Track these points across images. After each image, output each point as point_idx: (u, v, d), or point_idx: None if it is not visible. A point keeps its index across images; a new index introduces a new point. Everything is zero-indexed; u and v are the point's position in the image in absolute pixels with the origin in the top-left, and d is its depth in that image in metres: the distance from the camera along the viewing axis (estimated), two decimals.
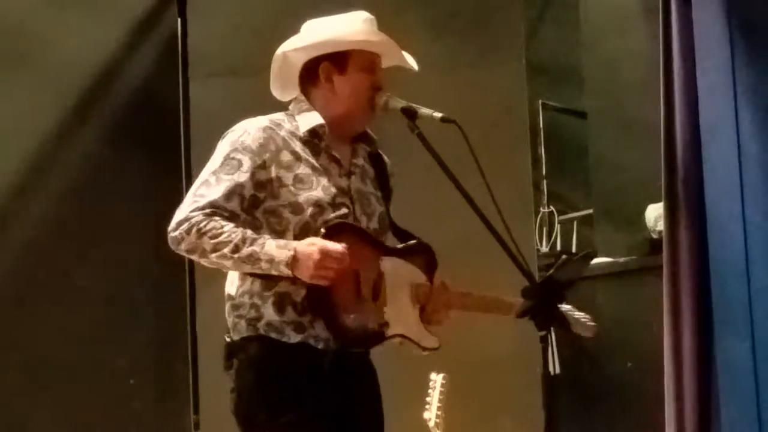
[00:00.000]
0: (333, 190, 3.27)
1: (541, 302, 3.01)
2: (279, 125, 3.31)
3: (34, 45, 5.32)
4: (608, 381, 5.80)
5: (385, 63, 3.40)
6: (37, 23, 5.32)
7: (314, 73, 3.34)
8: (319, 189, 3.25)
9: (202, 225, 3.12)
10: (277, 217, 3.22)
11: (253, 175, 3.21)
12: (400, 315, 3.29)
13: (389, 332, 3.25)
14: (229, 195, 3.18)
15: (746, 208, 4.61)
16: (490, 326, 4.93)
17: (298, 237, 3.18)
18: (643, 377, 5.39)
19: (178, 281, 5.24)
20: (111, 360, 5.24)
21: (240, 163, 3.21)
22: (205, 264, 3.20)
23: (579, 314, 3.46)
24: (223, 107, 5.10)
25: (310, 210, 3.22)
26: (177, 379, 5.29)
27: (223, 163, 3.22)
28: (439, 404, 3.75)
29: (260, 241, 3.12)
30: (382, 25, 3.40)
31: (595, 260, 5.86)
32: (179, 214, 3.17)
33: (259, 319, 3.21)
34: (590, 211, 6.72)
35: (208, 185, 3.19)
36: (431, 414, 3.78)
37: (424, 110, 3.24)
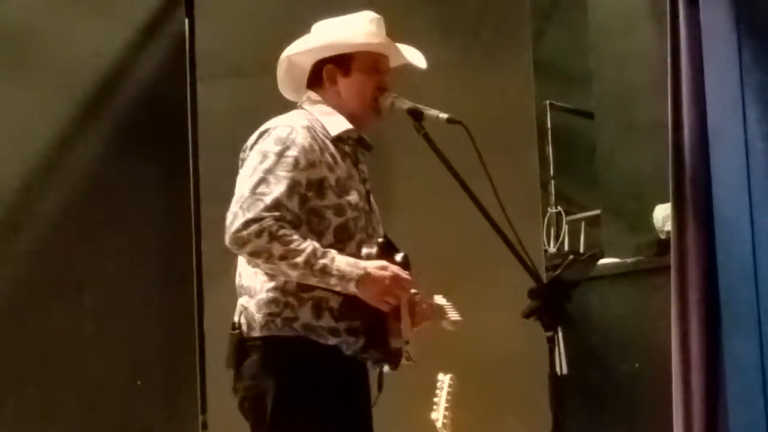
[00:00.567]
0: (360, 195, 3.28)
1: (548, 303, 3.02)
2: (313, 126, 3.27)
3: (42, 46, 5.32)
4: (616, 382, 5.79)
5: (393, 63, 3.40)
6: (44, 24, 5.32)
7: (320, 76, 3.34)
8: (355, 193, 3.25)
9: (273, 229, 3.06)
10: (319, 218, 3.19)
11: (308, 173, 3.17)
12: (409, 330, 3.31)
13: (408, 348, 3.28)
14: (290, 193, 3.12)
15: (754, 208, 4.60)
16: (497, 327, 4.94)
17: (335, 239, 3.17)
18: (651, 378, 5.38)
19: (185, 281, 5.23)
20: (118, 360, 5.25)
21: (296, 161, 3.16)
22: (262, 268, 3.14)
23: (448, 305, 3.44)
24: (230, 108, 5.12)
25: (349, 213, 3.22)
26: (184, 379, 5.28)
27: (278, 161, 3.15)
28: (446, 405, 3.74)
29: (330, 255, 3.09)
30: (389, 25, 3.40)
31: (603, 261, 5.84)
32: (246, 213, 3.08)
33: (295, 319, 3.17)
34: (598, 211, 6.71)
35: (268, 183, 3.12)
36: (439, 414, 3.77)
37: (431, 111, 3.24)
